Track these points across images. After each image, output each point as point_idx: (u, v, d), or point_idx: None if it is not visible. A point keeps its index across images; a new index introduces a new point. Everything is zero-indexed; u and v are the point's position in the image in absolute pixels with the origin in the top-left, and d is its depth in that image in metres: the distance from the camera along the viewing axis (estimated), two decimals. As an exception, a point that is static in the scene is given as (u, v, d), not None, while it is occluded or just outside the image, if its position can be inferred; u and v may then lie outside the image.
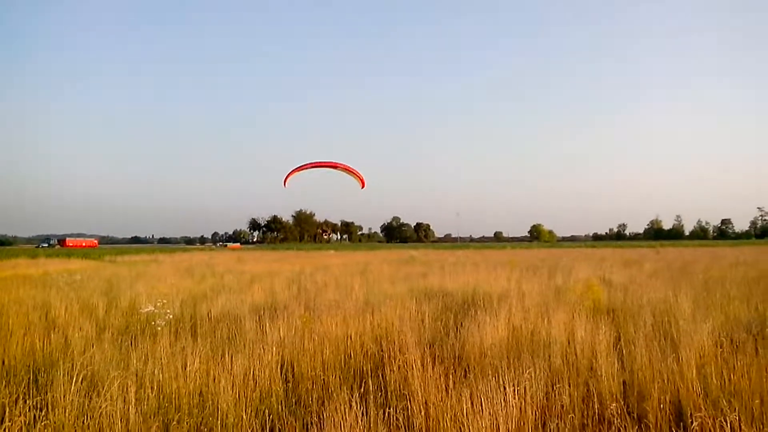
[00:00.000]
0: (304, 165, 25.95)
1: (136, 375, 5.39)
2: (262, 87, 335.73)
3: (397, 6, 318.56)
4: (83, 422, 4.45)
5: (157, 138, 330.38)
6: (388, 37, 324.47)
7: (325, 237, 66.79)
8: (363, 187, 26.99)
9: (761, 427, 4.05)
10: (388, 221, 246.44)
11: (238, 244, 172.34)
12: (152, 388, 5.12)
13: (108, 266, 29.03)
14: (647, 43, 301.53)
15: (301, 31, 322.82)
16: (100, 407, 4.52)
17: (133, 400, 4.66)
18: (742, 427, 4.05)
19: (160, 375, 5.36)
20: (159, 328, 7.85)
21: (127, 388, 4.80)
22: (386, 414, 4.70)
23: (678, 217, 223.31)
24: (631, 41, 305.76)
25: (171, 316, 8.58)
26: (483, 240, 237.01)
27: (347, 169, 26.11)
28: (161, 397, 5.03)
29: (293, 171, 25.84)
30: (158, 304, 8.90)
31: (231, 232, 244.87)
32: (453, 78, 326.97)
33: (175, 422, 4.59)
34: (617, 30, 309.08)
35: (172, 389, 5.12)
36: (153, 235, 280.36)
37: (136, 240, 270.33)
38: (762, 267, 21.66)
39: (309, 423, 4.81)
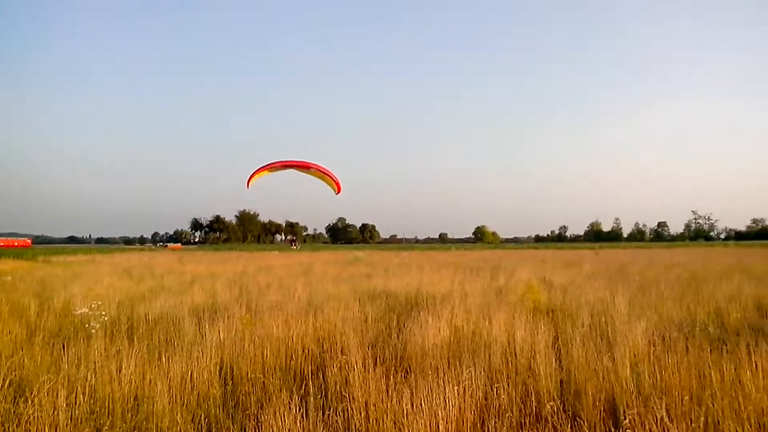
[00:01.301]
0: (271, 164, 23.72)
1: (68, 379, 5.20)
2: (208, 84, 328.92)
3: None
4: (9, 428, 4.27)
5: (92, 134, 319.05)
6: (333, 34, 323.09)
7: (294, 247, 63.25)
8: (338, 192, 24.65)
9: (689, 422, 4.19)
10: (334, 222, 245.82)
11: (179, 244, 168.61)
12: (84, 392, 4.96)
13: (42, 267, 27.98)
14: (592, 44, 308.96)
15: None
16: (28, 413, 4.35)
17: (64, 405, 4.49)
18: (672, 422, 4.18)
19: (93, 379, 5.18)
20: (93, 331, 7.60)
21: (57, 393, 4.63)
22: (326, 416, 4.68)
23: (617, 219, 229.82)
24: (578, 42, 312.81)
25: (106, 318, 8.33)
26: (428, 241, 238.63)
27: (321, 171, 23.86)
28: (93, 401, 4.86)
29: (258, 171, 23.66)
30: (93, 305, 8.61)
31: (172, 233, 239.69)
32: (396, 79, 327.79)
33: (107, 427, 4.45)
34: (561, 33, 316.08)
35: (105, 393, 4.96)
36: (90, 235, 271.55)
37: (72, 240, 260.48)
38: (694, 269, 22.49)
39: (247, 426, 4.73)
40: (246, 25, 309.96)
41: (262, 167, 23.57)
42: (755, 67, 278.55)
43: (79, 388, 4.93)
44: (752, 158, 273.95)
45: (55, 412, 4.41)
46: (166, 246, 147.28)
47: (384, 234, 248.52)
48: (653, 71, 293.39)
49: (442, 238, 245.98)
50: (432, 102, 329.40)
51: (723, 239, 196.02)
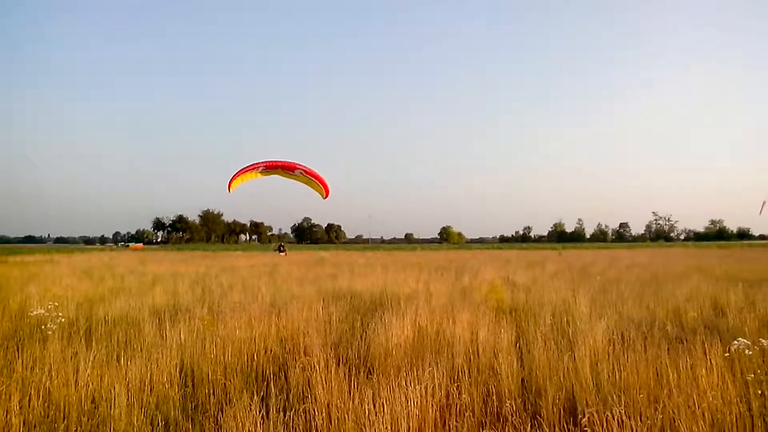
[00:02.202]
0: (254, 165, 22.26)
1: (21, 382, 5.07)
2: (173, 82, 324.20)
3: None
4: (-41, 434, 4.15)
5: (50, 129, 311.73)
6: (293, 34, 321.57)
7: (283, 253, 56.82)
8: (326, 196, 23.61)
9: (645, 419, 4.27)
10: (299, 222, 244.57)
11: (141, 244, 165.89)
12: (39, 396, 4.84)
13: (-2, 267, 27.26)
14: (555, 44, 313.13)
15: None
16: (-21, 417, 4.23)
17: (17, 409, 4.38)
18: (630, 419, 4.25)
19: (49, 382, 5.06)
20: (50, 333, 7.42)
21: (10, 396, 4.51)
22: (287, 417, 4.64)
23: (580, 220, 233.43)
24: (541, 42, 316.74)
25: (63, 320, 8.13)
26: (394, 241, 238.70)
27: (307, 174, 22.64)
28: (48, 405, 4.75)
29: (240, 173, 22.38)
30: (49, 306, 8.39)
31: (134, 232, 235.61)
32: (363, 80, 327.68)
33: (61, 431, 4.34)
34: (524, 30, 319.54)
35: (61, 397, 4.85)
36: (49, 234, 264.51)
37: (30, 239, 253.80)
38: (654, 269, 22.97)
39: (207, 428, 4.67)
40: (201, 24, 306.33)
41: (245, 169, 22.31)
42: (711, 72, 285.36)
43: (33, 391, 4.81)
44: (711, 161, 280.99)
45: (8, 416, 4.29)
46: (128, 246, 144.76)
47: (350, 234, 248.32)
48: (614, 72, 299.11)
49: (408, 239, 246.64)
50: (399, 103, 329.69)
51: (683, 240, 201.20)
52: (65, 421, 4.52)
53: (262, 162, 22.05)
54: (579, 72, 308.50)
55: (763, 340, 5.19)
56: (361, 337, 7.67)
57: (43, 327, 7.71)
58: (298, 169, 22.22)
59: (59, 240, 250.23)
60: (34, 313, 8.36)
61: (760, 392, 4.55)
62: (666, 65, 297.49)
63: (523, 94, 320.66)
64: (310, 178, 22.55)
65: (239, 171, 22.35)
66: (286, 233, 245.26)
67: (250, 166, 22.22)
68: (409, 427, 4.37)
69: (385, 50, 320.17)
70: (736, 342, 5.24)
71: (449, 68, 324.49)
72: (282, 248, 52.80)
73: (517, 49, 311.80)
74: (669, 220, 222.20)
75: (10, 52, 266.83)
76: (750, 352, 5.09)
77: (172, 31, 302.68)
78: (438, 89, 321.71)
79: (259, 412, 4.42)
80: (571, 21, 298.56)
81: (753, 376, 4.71)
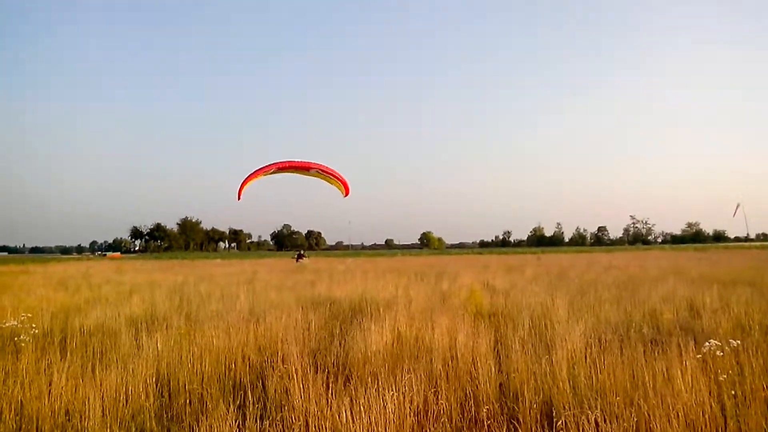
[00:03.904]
0: (264, 168, 20.69)
1: (-6, 395, 4.99)
2: (155, 84, 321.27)
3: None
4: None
5: (26, 134, 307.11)
6: (276, 37, 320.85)
7: (302, 261, 51.91)
8: (347, 194, 22.35)
9: (621, 422, 4.31)
10: (279, 229, 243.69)
11: (119, 253, 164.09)
12: (11, 409, 4.76)
13: (-31, 278, 26.77)
14: (537, 42, 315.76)
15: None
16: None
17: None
18: (606, 422, 4.29)
19: (21, 394, 4.97)
20: (23, 345, 7.30)
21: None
22: (263, 426, 4.61)
23: (558, 224, 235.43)
24: (520, 41, 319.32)
25: (37, 331, 8.01)
26: (374, 247, 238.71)
27: (325, 172, 21.44)
28: (20, 418, 4.67)
29: (249, 178, 20.95)
30: (21, 318, 8.25)
31: (111, 241, 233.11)
32: (337, 81, 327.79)
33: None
34: (506, 30, 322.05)
35: (33, 409, 4.77)
36: (24, 244, 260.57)
37: (3, 249, 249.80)
38: (631, 272, 23.24)
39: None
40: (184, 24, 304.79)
41: (255, 173, 21.10)
42: (685, 76, 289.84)
43: (4, 404, 4.73)
44: (687, 165, 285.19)
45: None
46: (105, 255, 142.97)
47: (330, 240, 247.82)
48: (591, 75, 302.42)
49: (389, 245, 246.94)
50: (380, 108, 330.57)
51: (660, 243, 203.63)
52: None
53: (274, 164, 20.79)
54: (556, 75, 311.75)
55: (734, 341, 5.28)
56: (340, 344, 7.64)
57: (16, 339, 7.59)
58: (314, 168, 21.22)
59: (35, 250, 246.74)
60: (7, 324, 8.22)
61: (733, 392, 4.62)
62: (643, 68, 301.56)
63: (498, 95, 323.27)
64: (328, 175, 21.56)
65: (248, 176, 21.07)
66: (265, 240, 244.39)
67: (260, 169, 20.98)
68: (386, 433, 4.37)
69: (364, 54, 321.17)
70: (707, 343, 5.32)
71: (426, 73, 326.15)
72: (301, 255, 49.36)
73: (493, 49, 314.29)
74: (646, 223, 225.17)
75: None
76: (721, 354, 5.17)
77: (159, 33, 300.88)
78: (417, 92, 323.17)
79: (236, 421, 4.39)
80: (549, 21, 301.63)
81: (726, 376, 4.78)
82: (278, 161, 20.91)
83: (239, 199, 21.17)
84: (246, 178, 21.03)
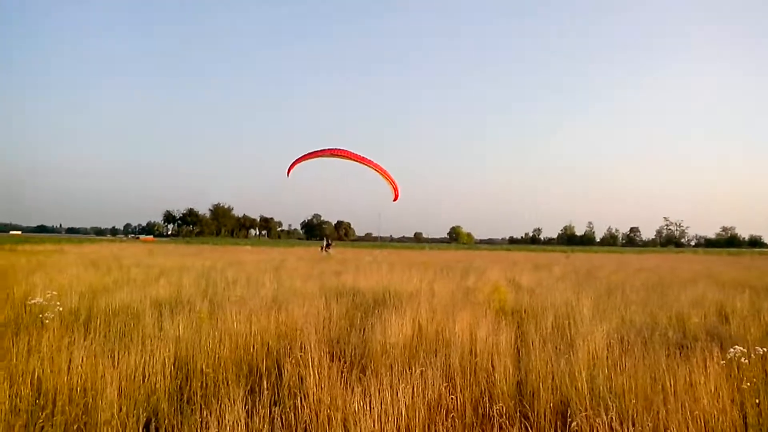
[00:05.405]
0: (320, 151, 20.60)
1: (15, 369, 5.07)
2: (185, 76, 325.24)
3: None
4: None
5: (66, 124, 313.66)
6: (309, 35, 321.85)
7: (327, 252, 48.21)
8: (396, 199, 22.30)
9: (637, 425, 4.21)
10: (309, 218, 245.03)
11: (152, 236, 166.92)
12: (32, 383, 4.84)
13: (6, 255, 27.43)
14: (566, 44, 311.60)
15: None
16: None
17: (6, 395, 4.39)
18: (622, 425, 4.20)
19: (40, 370, 5.05)
20: (47, 321, 7.43)
21: (3, 382, 4.52)
22: (273, 412, 4.62)
23: (590, 223, 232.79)
24: (554, 42, 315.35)
25: (61, 309, 8.16)
26: (403, 240, 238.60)
27: (379, 171, 21.23)
28: (37, 393, 4.74)
29: (304, 157, 20.97)
30: (47, 295, 8.41)
31: (144, 224, 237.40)
32: (371, 77, 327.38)
33: (41, 420, 4.34)
34: (553, 28, 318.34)
35: (51, 385, 4.84)
36: (61, 225, 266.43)
37: (42, 229, 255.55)
38: (662, 274, 22.84)
39: (192, 421, 4.64)
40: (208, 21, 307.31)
41: (310, 153, 21.01)
42: (728, 76, 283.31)
43: (20, 379, 4.81)
44: (724, 167, 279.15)
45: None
46: (138, 238, 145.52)
47: (359, 232, 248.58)
48: (627, 75, 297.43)
49: (417, 238, 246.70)
50: (409, 101, 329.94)
51: (693, 246, 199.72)
52: (53, 407, 4.53)
53: (328, 149, 20.81)
54: (592, 74, 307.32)
55: (761, 349, 5.13)
56: (360, 334, 7.63)
57: (41, 315, 7.73)
58: (370, 165, 21.20)
59: (71, 230, 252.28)
60: (33, 301, 8.39)
61: (756, 401, 4.49)
62: (680, 68, 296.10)
63: (535, 95, 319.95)
64: (382, 173, 21.55)
65: (301, 156, 21.35)
66: (296, 229, 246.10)
67: (314, 152, 21.08)
68: (397, 426, 4.34)
69: (391, 48, 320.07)
70: (732, 350, 5.18)
71: (461, 68, 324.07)
72: (328, 245, 48.41)
73: (533, 50, 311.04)
74: (680, 225, 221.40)
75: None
76: (746, 360, 5.02)
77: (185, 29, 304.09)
78: (450, 89, 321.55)
79: (245, 406, 4.40)
80: (585, 21, 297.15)
81: (749, 384, 4.65)
82: (333, 147, 20.76)
83: (288, 175, 21.37)
84: (299, 158, 21.18)
